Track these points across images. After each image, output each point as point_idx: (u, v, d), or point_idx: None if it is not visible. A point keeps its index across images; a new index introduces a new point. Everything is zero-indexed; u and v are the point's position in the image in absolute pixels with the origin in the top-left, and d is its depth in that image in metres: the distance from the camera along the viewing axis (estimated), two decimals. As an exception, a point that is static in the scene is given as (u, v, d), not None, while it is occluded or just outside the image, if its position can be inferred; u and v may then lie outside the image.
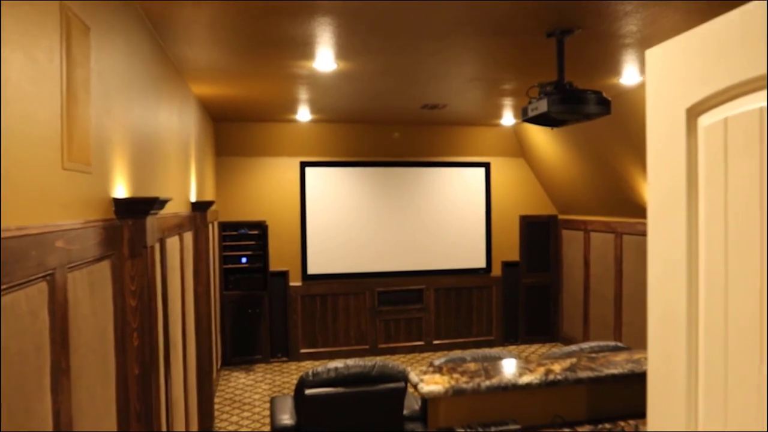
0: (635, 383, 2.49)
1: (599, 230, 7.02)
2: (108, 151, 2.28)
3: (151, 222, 2.47)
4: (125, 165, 2.56)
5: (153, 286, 2.56)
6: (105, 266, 2.14)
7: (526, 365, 2.56)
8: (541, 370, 2.48)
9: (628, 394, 2.44)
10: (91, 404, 1.90)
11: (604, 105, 3.24)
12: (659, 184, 1.09)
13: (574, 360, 2.60)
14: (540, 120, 3.42)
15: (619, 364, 2.55)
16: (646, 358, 2.72)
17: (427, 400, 2.64)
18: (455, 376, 2.46)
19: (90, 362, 1.89)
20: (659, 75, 1.12)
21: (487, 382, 2.39)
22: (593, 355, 2.68)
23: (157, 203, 2.42)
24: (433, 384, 2.37)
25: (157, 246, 3.06)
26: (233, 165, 7.08)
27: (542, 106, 3.22)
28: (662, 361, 1.10)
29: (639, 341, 5.90)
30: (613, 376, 2.48)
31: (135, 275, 2.38)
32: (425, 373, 2.44)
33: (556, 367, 2.48)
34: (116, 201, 2.29)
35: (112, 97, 2.33)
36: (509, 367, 2.56)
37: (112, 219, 2.28)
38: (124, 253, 2.35)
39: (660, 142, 1.09)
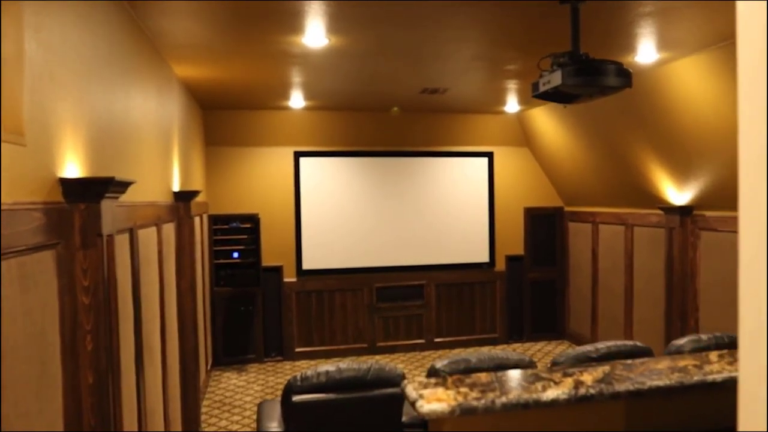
0: (683, 397, 2.09)
1: (608, 222, 6.69)
2: (53, 124, 1.94)
3: (108, 207, 2.14)
4: (81, 143, 2.22)
5: (112, 282, 2.23)
6: (47, 257, 1.81)
7: (549, 375, 2.14)
8: (569, 382, 2.07)
9: (675, 410, 2.04)
10: (23, 423, 1.58)
11: (624, 77, 2.90)
12: (758, 127, 0.75)
13: (606, 368, 2.17)
14: (552, 95, 3.08)
15: (663, 373, 2.12)
16: (694, 366, 2.37)
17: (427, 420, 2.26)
18: (462, 390, 2.06)
19: (19, 373, 1.57)
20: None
21: (503, 399, 1.99)
22: (629, 362, 2.26)
23: (114, 184, 2.08)
24: (435, 401, 1.97)
25: (126, 237, 2.74)
26: (224, 155, 6.74)
27: (555, 78, 2.88)
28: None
29: (652, 339, 5.57)
30: (658, 388, 2.04)
31: (88, 268, 2.05)
32: (425, 386, 2.02)
33: (587, 378, 2.06)
34: (63, 181, 1.96)
35: (57, 60, 2.00)
36: (528, 379, 2.14)
37: (60, 202, 1.95)
38: (75, 242, 2.02)
39: (763, 64, 0.75)
